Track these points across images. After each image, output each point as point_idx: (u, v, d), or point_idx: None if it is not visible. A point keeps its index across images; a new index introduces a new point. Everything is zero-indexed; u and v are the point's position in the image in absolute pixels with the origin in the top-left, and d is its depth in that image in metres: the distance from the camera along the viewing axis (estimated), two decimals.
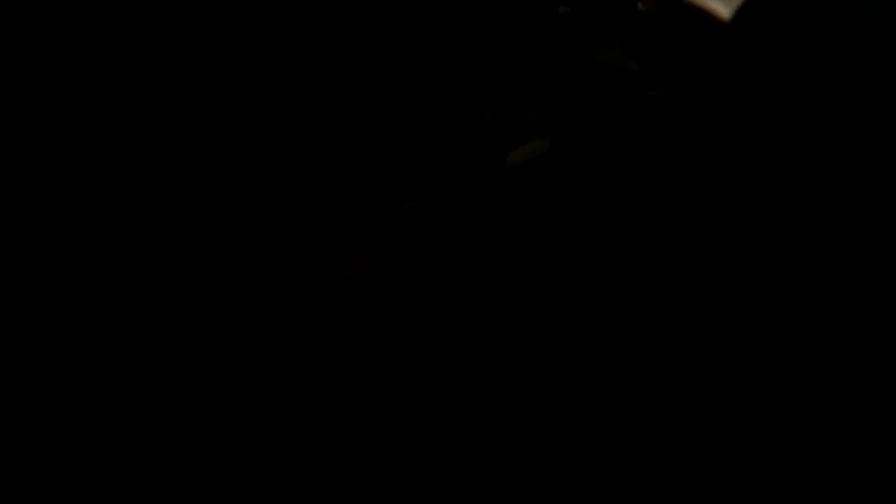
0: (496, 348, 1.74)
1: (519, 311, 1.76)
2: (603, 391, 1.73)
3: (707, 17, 1.76)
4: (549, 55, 1.88)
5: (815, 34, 1.75)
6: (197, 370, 1.58)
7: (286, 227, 1.69)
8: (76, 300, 1.60)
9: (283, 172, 1.78)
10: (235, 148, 1.80)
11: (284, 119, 1.84)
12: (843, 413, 1.69)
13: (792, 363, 1.74)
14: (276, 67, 1.89)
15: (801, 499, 1.66)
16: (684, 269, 1.83)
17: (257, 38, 1.90)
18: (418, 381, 1.67)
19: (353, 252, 1.68)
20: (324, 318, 1.61)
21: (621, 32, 1.96)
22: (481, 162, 1.81)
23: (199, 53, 1.87)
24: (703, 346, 1.76)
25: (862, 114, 1.80)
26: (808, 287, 1.78)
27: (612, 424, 1.70)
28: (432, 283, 1.75)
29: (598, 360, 1.74)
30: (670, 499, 1.67)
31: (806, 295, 1.77)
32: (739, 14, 1.75)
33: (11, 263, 1.66)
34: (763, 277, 1.83)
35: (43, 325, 1.60)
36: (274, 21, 1.89)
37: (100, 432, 1.55)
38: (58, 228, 1.67)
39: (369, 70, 1.91)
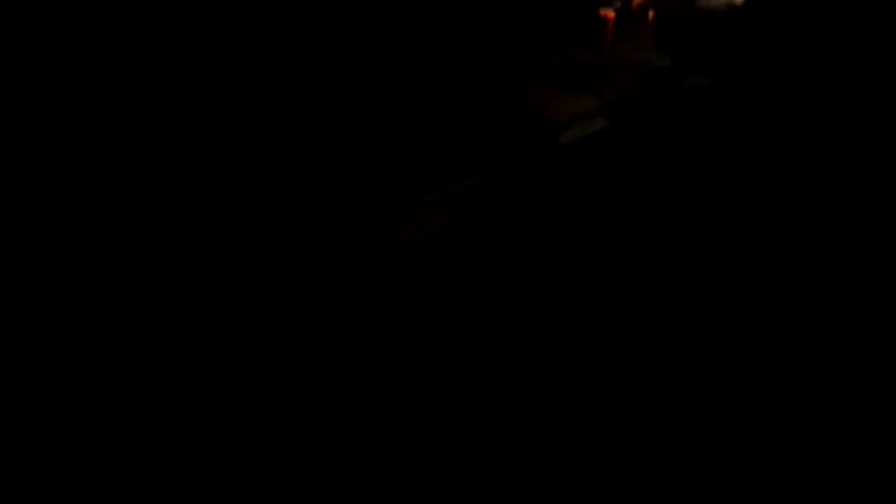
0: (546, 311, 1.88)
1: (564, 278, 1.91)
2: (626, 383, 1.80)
3: (727, 6, 2.01)
4: (594, 52, 2.18)
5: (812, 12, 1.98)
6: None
7: (383, 192, 1.98)
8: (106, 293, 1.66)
9: (376, 154, 2.07)
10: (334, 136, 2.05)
11: (365, 110, 2.12)
12: (842, 413, 1.69)
13: (792, 363, 1.77)
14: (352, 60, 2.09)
15: (801, 499, 1.59)
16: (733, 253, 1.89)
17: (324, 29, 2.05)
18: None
19: (434, 212, 1.98)
20: (411, 259, 1.89)
21: (654, 31, 2.26)
22: (538, 141, 2.10)
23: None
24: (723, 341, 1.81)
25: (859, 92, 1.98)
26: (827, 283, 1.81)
27: (614, 422, 1.71)
28: (495, 237, 2.01)
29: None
30: (670, 499, 1.59)
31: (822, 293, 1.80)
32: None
33: (12, 263, 1.64)
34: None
35: (64, 321, 1.60)
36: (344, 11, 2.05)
37: (100, 431, 1.53)
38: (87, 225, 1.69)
39: (432, 60, 2.17)
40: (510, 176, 2.13)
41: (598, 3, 2.03)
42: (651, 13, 2.11)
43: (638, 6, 2.00)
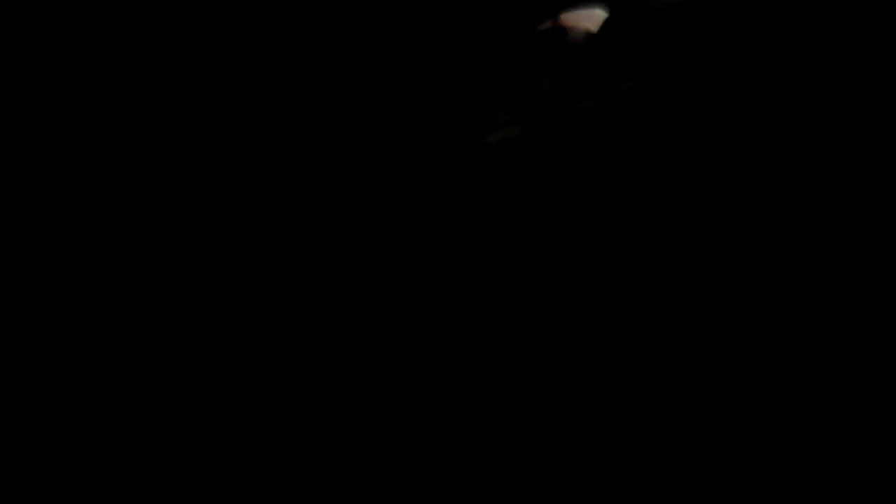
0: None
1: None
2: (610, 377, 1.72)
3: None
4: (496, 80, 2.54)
5: None
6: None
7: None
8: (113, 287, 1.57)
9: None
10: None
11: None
12: (843, 413, 1.73)
13: (792, 363, 1.79)
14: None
15: (801, 499, 1.65)
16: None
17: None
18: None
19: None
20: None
21: (548, 61, 2.59)
22: (461, 140, 2.42)
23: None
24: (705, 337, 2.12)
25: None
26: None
27: (613, 419, 1.74)
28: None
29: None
30: (670, 499, 1.67)
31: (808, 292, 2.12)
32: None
33: (11, 264, 1.63)
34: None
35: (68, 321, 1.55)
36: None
37: (101, 429, 1.52)
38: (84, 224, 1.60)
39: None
40: (447, 171, 2.50)
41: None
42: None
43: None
